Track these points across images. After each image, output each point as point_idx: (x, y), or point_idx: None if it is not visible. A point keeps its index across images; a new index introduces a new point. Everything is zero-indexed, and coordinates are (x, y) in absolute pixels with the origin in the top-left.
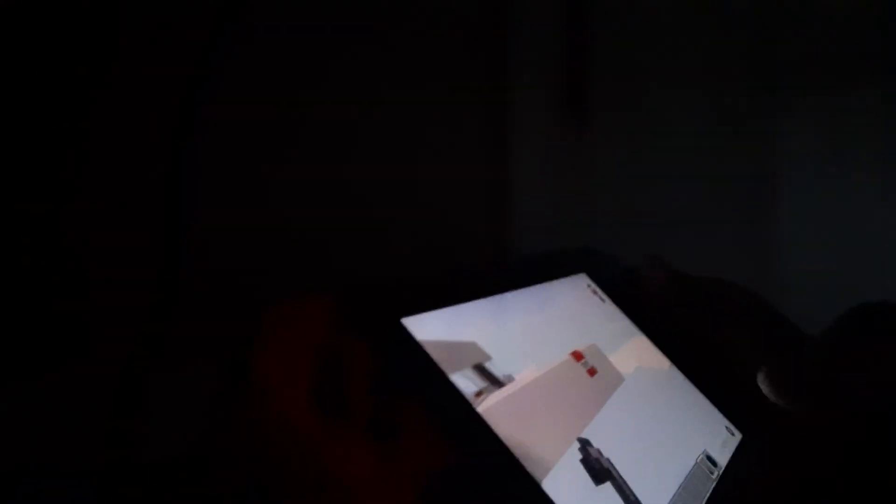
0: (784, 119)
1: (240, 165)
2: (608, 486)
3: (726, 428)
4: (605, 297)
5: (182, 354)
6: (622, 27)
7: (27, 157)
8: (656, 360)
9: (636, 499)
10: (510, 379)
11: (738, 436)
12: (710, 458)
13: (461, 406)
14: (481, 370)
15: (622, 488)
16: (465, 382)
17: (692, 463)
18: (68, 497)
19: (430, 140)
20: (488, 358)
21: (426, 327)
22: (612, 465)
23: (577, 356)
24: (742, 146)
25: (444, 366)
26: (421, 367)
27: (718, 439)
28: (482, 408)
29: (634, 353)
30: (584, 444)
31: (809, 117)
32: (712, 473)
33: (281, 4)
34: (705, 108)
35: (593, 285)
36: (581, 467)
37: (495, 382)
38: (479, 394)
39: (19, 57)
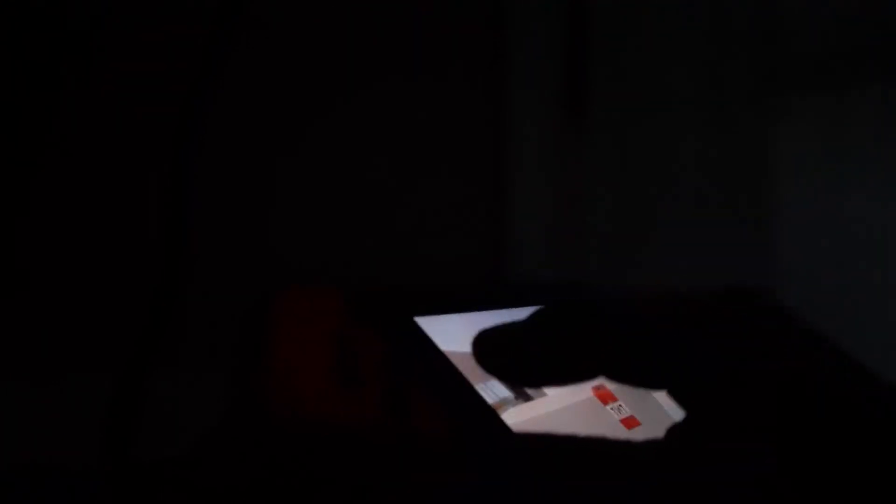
0: (783, 119)
1: (239, 165)
2: None
3: None
4: None
5: (182, 354)
6: (622, 29)
7: (26, 157)
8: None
9: None
10: (539, 392)
11: None
12: None
13: (481, 409)
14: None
15: None
16: (486, 392)
17: None
18: (68, 497)
19: (427, 142)
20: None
21: (439, 329)
22: None
23: (605, 397)
24: (742, 147)
25: (464, 371)
26: (436, 367)
27: None
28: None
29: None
30: None
31: (809, 117)
32: None
33: (281, 5)
34: (705, 108)
35: None
36: None
37: (520, 396)
38: (497, 406)
39: (20, 56)
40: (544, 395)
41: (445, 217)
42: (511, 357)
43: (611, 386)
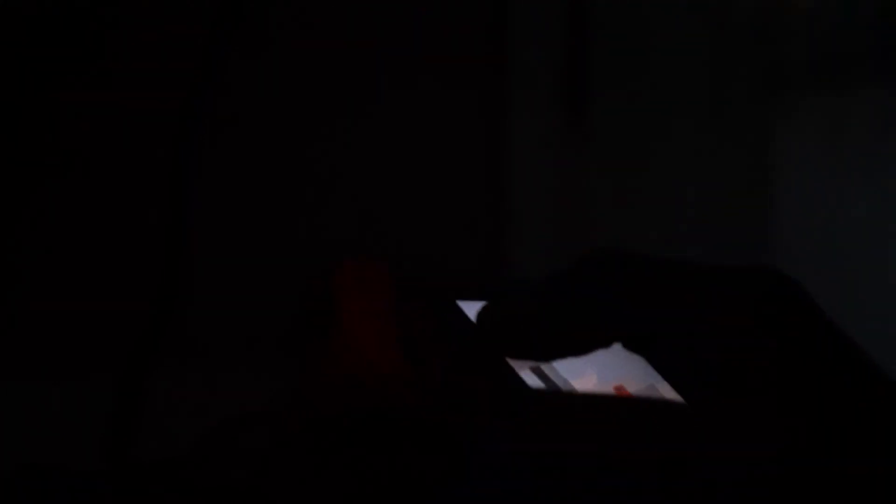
0: (784, 119)
1: (240, 165)
2: None
3: None
4: None
5: (182, 355)
6: (622, 30)
7: (27, 158)
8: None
9: None
10: (567, 385)
11: None
12: None
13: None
14: (538, 371)
15: None
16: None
17: None
18: (69, 497)
19: (429, 141)
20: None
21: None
22: None
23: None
24: (742, 147)
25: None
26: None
27: None
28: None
29: None
30: None
31: (809, 117)
32: None
33: (282, 5)
34: (705, 108)
35: None
36: None
37: (553, 387)
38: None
39: (21, 57)
40: (573, 389)
41: (445, 217)
42: (516, 333)
43: (631, 388)
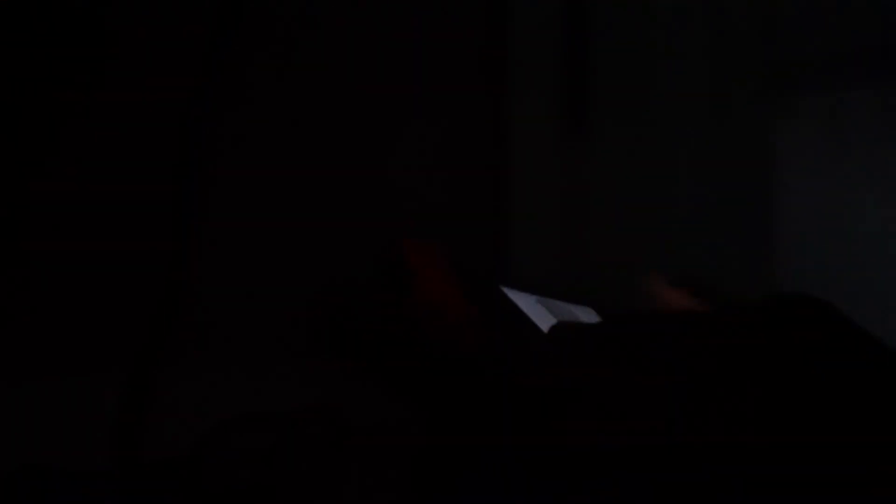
0: (784, 119)
1: (244, 165)
2: None
3: None
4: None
5: (185, 357)
6: (622, 30)
7: (33, 158)
8: None
9: None
10: None
11: None
12: None
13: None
14: None
15: None
16: None
17: None
18: (71, 497)
19: (428, 143)
20: None
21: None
22: None
23: None
24: (743, 147)
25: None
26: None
27: None
28: None
29: None
30: None
31: (809, 117)
32: None
33: (281, 8)
34: (706, 110)
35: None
36: None
37: None
38: None
39: (22, 56)
40: None
41: (446, 219)
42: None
43: None
